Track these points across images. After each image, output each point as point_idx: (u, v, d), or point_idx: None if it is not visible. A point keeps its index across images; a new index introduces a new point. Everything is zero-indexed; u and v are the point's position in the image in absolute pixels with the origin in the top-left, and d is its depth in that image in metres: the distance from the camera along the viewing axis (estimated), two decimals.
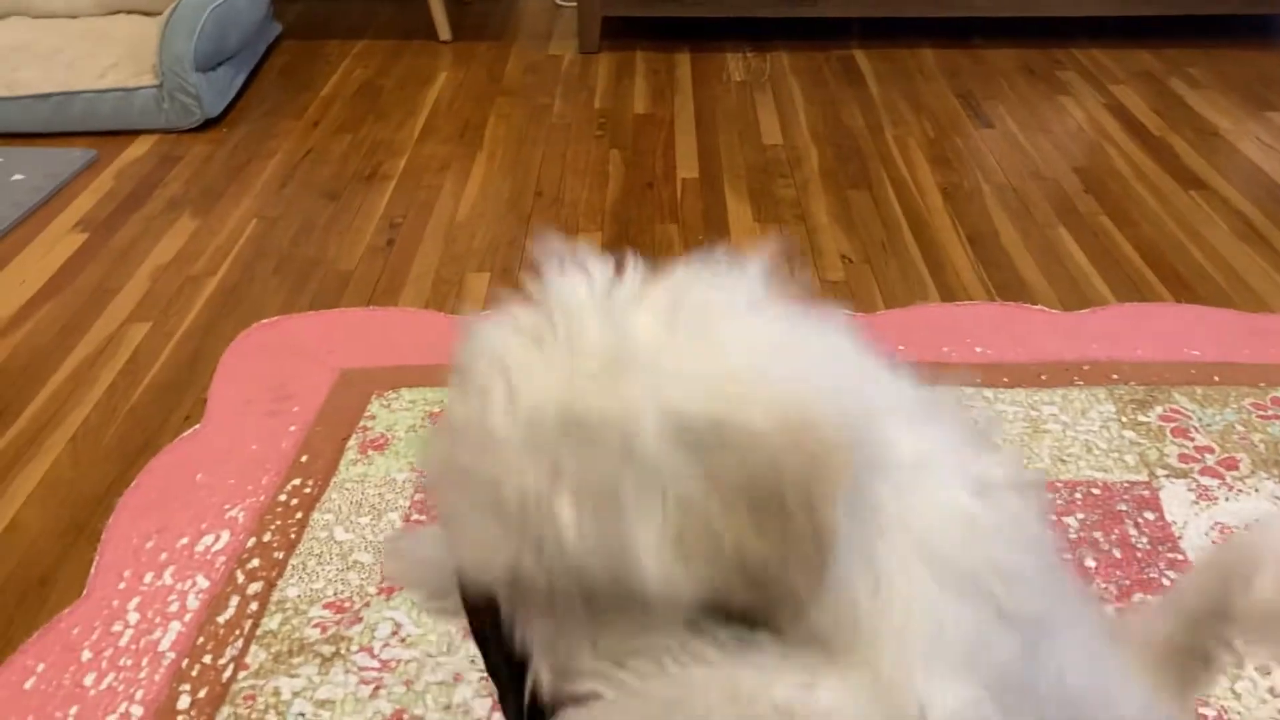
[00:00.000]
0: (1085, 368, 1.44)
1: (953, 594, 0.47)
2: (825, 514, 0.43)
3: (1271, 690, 1.00)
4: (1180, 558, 1.15)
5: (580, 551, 0.45)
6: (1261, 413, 1.35)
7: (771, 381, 0.45)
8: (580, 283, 0.48)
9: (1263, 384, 1.40)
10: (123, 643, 1.06)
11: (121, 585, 1.13)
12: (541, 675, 0.50)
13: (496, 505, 0.45)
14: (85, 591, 1.13)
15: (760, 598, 0.46)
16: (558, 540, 0.44)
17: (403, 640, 1.06)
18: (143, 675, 1.03)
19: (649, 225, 1.87)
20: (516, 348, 0.46)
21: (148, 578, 1.14)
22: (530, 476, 0.44)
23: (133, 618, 1.09)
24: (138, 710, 0.99)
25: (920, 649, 0.46)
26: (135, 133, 2.24)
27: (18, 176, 2.03)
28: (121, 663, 1.04)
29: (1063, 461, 1.28)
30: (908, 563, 0.47)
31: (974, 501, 0.49)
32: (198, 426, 1.38)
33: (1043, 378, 1.43)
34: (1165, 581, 1.12)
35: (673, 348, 0.45)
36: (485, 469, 0.45)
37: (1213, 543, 1.16)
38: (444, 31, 2.73)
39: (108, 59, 2.30)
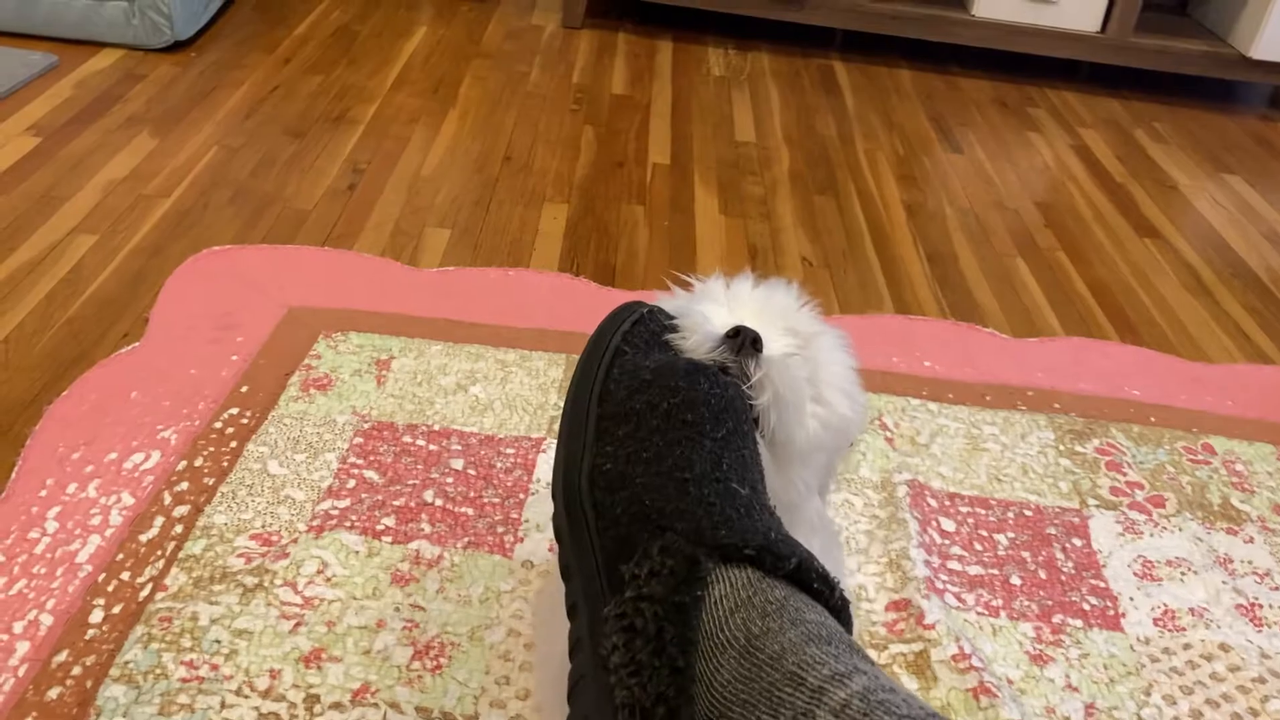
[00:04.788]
0: (1029, 393, 1.47)
1: None
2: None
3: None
4: (1102, 585, 1.17)
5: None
6: (1192, 457, 1.38)
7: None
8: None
9: (1195, 429, 1.44)
10: (38, 550, 1.03)
11: (42, 493, 1.10)
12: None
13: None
14: (3, 495, 1.09)
15: None
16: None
17: (328, 580, 1.04)
18: (56, 585, 1.00)
19: (615, 203, 1.86)
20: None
21: (71, 488, 1.10)
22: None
23: (51, 526, 1.06)
24: (47, 619, 0.96)
25: None
26: (100, 44, 2.18)
27: None
28: (35, 570, 1.01)
29: (999, 480, 1.30)
30: None
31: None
32: (136, 345, 1.34)
33: (987, 398, 1.45)
34: (1086, 606, 1.14)
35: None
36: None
37: (1133, 574, 1.19)
38: None
39: None
